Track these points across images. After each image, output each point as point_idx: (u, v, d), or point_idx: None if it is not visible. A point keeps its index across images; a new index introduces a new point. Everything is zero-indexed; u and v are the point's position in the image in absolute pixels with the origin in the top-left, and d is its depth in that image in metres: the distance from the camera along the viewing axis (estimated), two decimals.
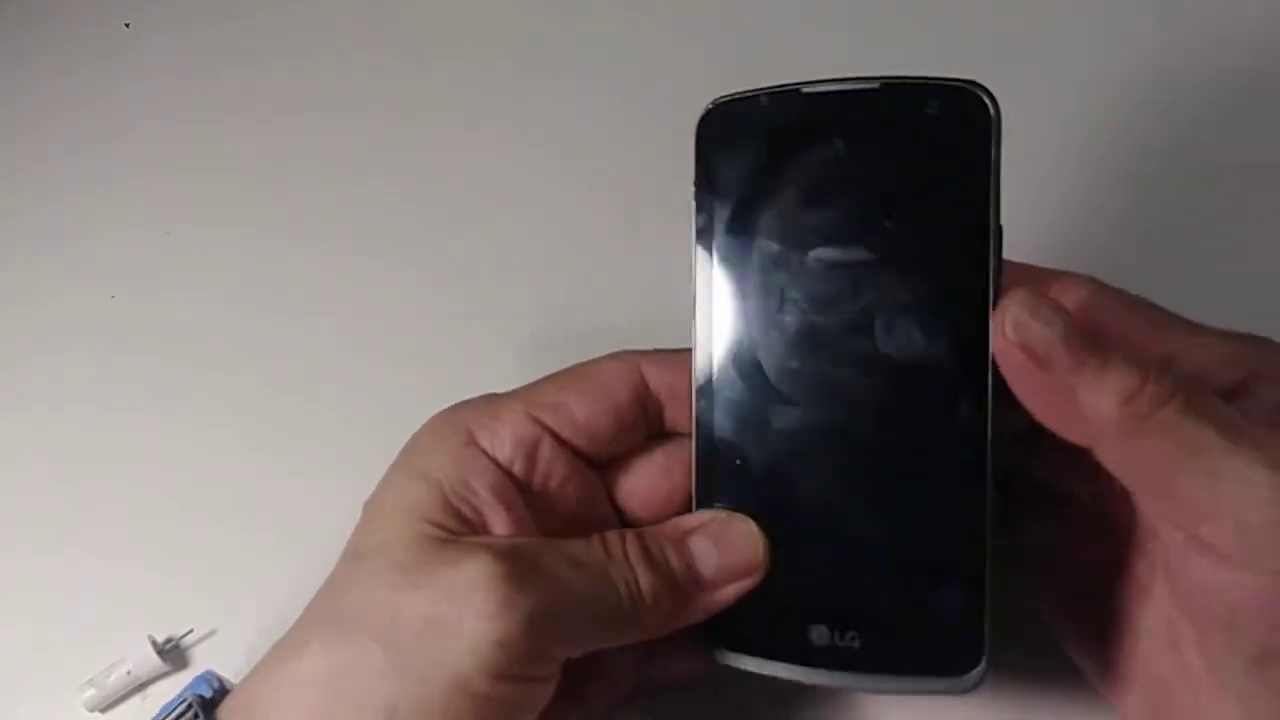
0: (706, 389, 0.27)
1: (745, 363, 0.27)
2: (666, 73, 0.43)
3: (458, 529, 0.25)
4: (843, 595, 0.26)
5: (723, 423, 0.27)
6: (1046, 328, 0.23)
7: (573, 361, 0.29)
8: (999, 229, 0.25)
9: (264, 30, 0.45)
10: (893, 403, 0.25)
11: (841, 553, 0.26)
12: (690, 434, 0.27)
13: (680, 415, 0.28)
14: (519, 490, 0.26)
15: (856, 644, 0.25)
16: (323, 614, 0.25)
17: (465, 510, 0.26)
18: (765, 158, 0.27)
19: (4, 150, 0.43)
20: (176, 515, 0.35)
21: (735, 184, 0.27)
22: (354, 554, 0.26)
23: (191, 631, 0.33)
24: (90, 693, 0.31)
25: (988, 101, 0.25)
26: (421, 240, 0.40)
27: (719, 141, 0.28)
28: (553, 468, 0.27)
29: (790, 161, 0.27)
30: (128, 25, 0.45)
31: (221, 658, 0.32)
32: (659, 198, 0.39)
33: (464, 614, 0.23)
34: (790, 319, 0.26)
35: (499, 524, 0.26)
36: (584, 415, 0.27)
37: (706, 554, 0.26)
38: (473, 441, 0.26)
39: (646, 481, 0.28)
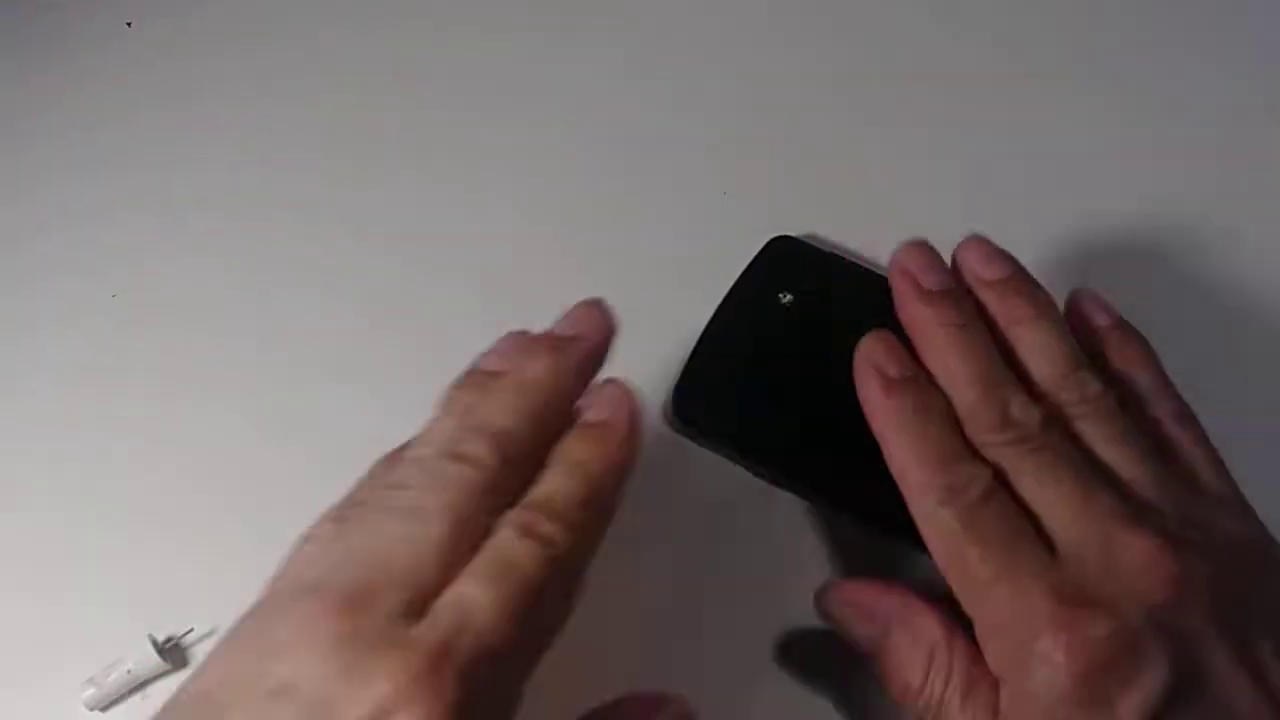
0: None
1: None
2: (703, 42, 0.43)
3: None
4: None
5: None
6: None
7: None
8: None
9: (268, 19, 0.45)
10: None
11: None
12: None
13: None
14: None
15: None
16: None
17: None
18: None
19: (3, 148, 0.43)
20: (177, 514, 0.35)
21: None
22: None
23: (191, 631, 0.33)
24: (90, 691, 0.31)
25: None
26: (428, 228, 0.40)
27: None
28: None
29: None
30: (129, 25, 0.45)
31: None
32: (682, 191, 0.40)
33: None
34: None
35: None
36: None
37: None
38: None
39: None
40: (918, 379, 0.29)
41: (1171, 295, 0.38)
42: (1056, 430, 0.28)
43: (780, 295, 0.35)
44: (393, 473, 0.27)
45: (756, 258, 0.36)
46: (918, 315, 0.30)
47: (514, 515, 0.25)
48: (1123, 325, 0.31)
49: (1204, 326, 0.37)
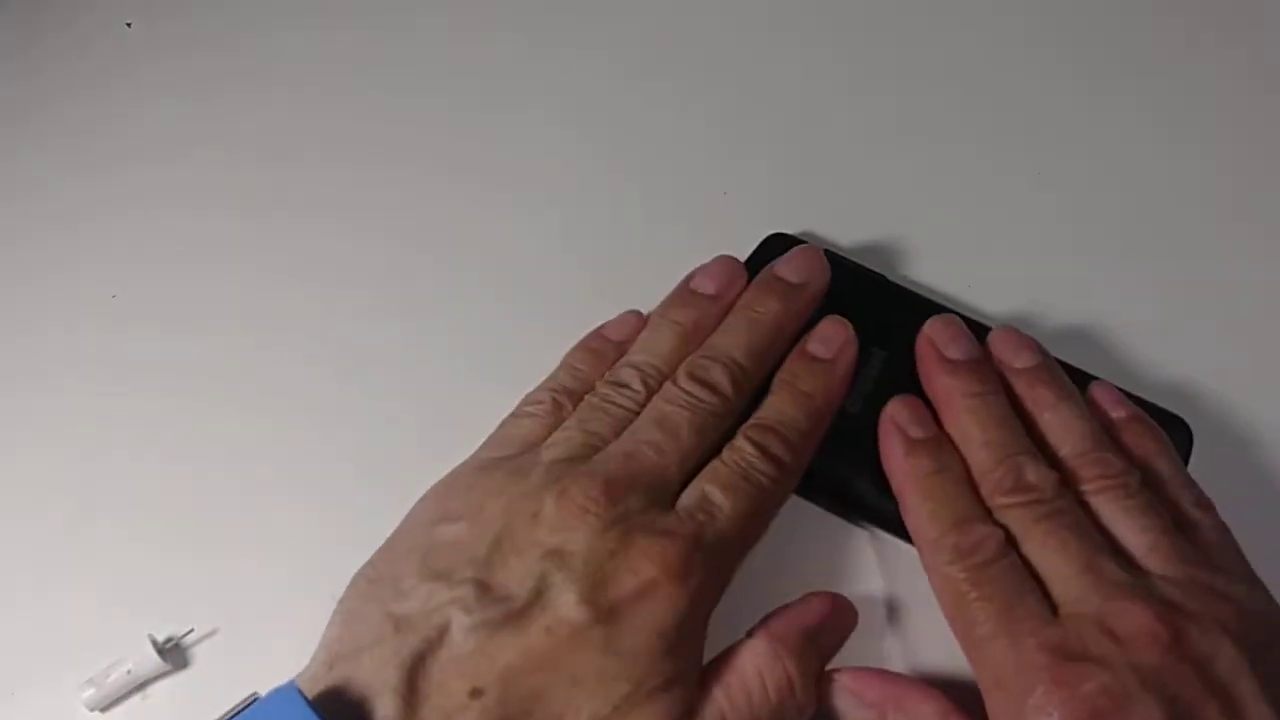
0: None
1: None
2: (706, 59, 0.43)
3: None
4: None
5: None
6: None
7: None
8: None
9: (268, 20, 0.45)
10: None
11: None
12: None
13: None
14: None
15: None
16: None
17: None
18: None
19: (3, 147, 0.43)
20: (177, 514, 0.35)
21: None
22: None
23: (192, 631, 0.33)
24: (90, 692, 0.31)
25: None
26: (431, 227, 0.40)
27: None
28: None
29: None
30: (129, 25, 0.45)
31: (221, 658, 0.33)
32: (688, 190, 0.40)
33: None
34: None
35: None
36: None
37: None
38: None
39: None
40: (938, 441, 0.31)
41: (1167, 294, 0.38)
42: (1069, 497, 0.29)
43: None
44: (616, 374, 0.32)
45: (751, 256, 0.36)
46: (941, 384, 0.32)
47: (752, 432, 0.30)
48: (1140, 418, 0.32)
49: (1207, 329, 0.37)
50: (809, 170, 0.40)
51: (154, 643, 0.32)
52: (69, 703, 0.32)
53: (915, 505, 0.30)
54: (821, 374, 0.32)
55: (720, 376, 0.31)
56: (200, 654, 0.33)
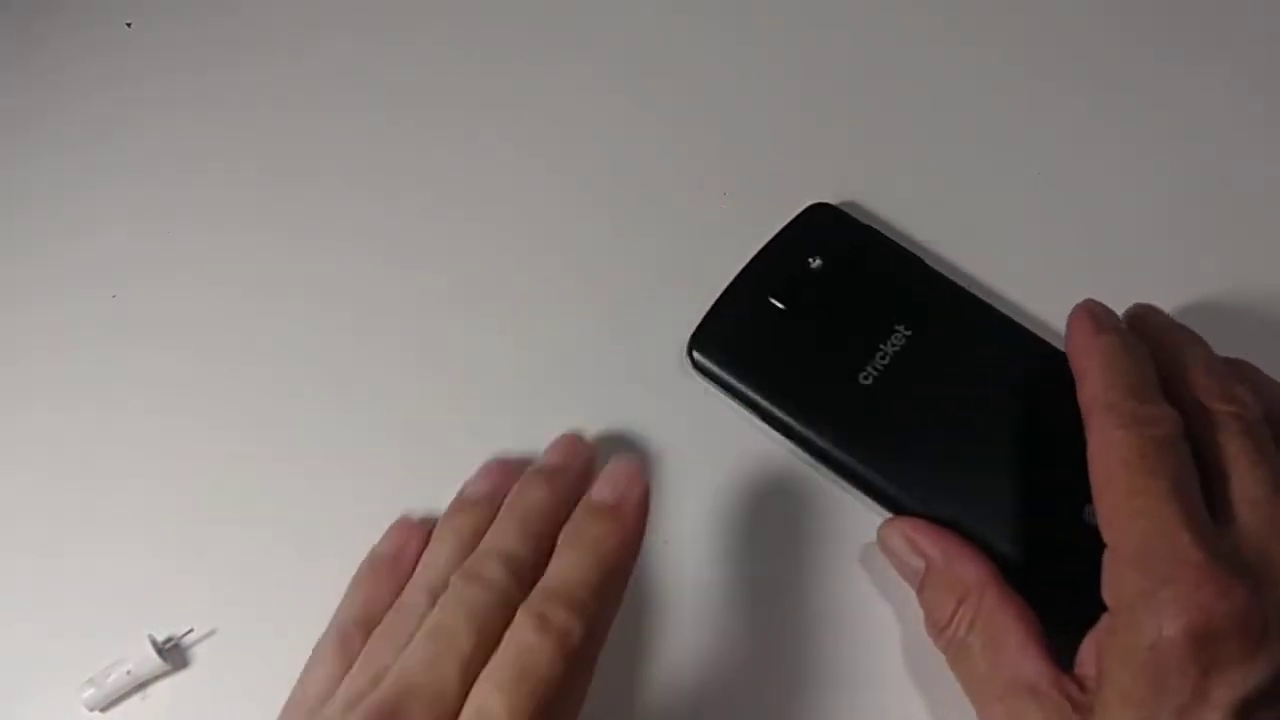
0: None
1: None
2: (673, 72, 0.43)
3: None
4: None
5: None
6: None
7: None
8: None
9: (268, 25, 0.45)
10: None
11: None
12: None
13: None
14: None
15: None
16: None
17: None
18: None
19: (3, 149, 0.43)
20: (177, 514, 0.35)
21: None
22: None
23: (191, 631, 0.33)
24: (90, 692, 0.31)
25: None
26: (428, 236, 0.40)
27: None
28: None
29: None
30: (129, 25, 0.45)
31: (221, 658, 0.33)
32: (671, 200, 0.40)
33: None
34: None
35: None
36: None
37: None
38: None
39: None
40: (1128, 333, 0.30)
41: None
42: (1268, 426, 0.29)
43: (810, 259, 0.35)
44: (403, 598, 0.30)
45: (792, 222, 0.36)
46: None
47: (533, 603, 0.27)
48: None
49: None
50: (808, 170, 0.40)
51: (154, 643, 0.32)
52: (69, 703, 0.32)
53: (1095, 372, 0.28)
54: (608, 517, 0.29)
55: (494, 568, 0.28)
56: (200, 654, 0.33)
